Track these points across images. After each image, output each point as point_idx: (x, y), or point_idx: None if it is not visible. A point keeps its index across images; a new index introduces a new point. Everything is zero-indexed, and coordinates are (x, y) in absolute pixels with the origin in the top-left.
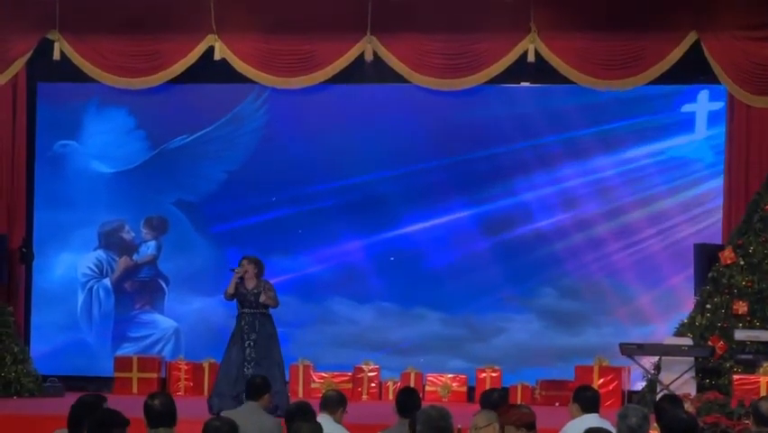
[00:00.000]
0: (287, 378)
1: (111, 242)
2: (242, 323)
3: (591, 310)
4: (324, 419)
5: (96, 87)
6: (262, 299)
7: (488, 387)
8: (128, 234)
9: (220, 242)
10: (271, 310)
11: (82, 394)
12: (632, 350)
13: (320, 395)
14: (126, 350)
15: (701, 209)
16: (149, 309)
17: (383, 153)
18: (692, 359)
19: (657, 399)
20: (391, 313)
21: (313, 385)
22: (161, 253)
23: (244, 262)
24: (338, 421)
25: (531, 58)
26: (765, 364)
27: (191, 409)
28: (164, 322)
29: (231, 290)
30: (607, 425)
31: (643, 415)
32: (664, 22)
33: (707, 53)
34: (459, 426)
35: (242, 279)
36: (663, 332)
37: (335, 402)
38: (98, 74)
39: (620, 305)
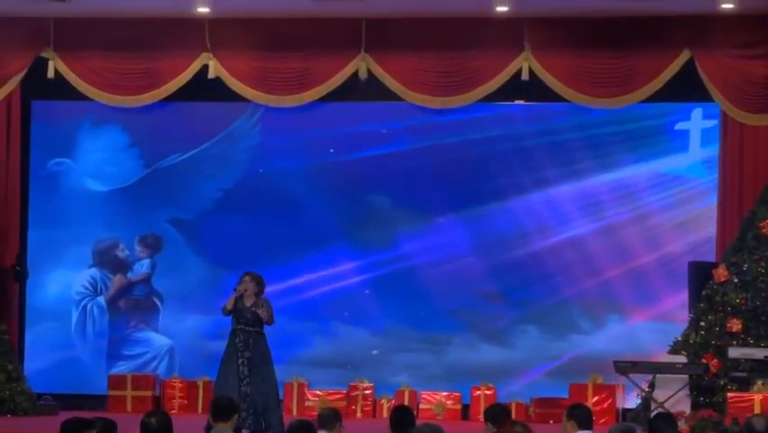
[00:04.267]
0: (280, 396)
1: (105, 260)
2: (236, 339)
3: (585, 327)
4: None
5: (90, 105)
6: (260, 312)
7: (482, 405)
8: (122, 253)
9: (214, 260)
10: (266, 328)
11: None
12: (626, 368)
13: (314, 413)
14: (120, 368)
15: (695, 227)
16: (143, 327)
17: (377, 170)
18: (686, 377)
19: (651, 417)
20: (386, 333)
21: (307, 403)
22: (156, 271)
23: (246, 278)
24: None
25: (525, 76)
26: (759, 382)
27: (186, 428)
28: (158, 340)
29: (229, 306)
30: None
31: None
32: (658, 40)
33: (700, 71)
34: None
35: (241, 295)
36: (658, 349)
37: (332, 419)
38: (92, 92)
39: (613, 322)
